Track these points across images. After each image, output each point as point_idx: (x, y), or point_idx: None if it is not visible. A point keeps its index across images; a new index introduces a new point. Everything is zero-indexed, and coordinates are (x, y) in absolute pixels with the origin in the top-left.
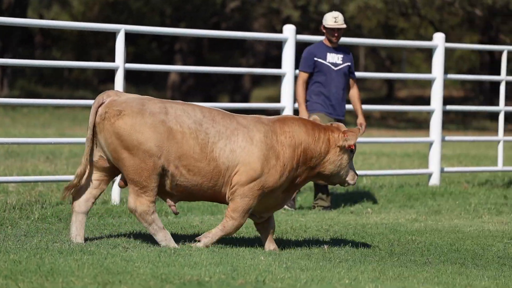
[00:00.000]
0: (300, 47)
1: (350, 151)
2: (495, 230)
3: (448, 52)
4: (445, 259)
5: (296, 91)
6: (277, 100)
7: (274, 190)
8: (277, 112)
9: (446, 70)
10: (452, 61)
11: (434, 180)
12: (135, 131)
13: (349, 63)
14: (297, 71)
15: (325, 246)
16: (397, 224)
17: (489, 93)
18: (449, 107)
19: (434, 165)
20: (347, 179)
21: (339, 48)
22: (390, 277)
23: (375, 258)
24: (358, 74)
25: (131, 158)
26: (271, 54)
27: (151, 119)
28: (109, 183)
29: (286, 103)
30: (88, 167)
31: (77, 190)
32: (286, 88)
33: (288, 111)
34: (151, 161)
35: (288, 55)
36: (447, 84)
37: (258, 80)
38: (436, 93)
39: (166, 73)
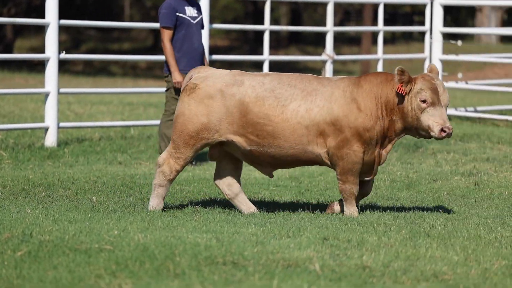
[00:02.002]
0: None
1: (420, 100)
2: (261, 178)
3: (213, 1)
4: (213, 208)
5: (164, 50)
6: (42, 51)
7: (367, 143)
8: (41, 62)
9: (211, 20)
10: (217, 11)
11: None
12: (203, 104)
13: (202, 15)
14: (65, 21)
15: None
16: None
17: (253, 42)
18: (214, 57)
19: None
20: (428, 130)
21: (191, 1)
22: (159, 227)
23: (144, 208)
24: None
25: (186, 124)
26: (34, 4)
27: (220, 95)
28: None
29: (51, 54)
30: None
31: (217, 180)
32: (50, 39)
33: (53, 62)
34: (204, 133)
35: (51, 4)
36: (212, 33)
37: (20, 30)
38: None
39: None
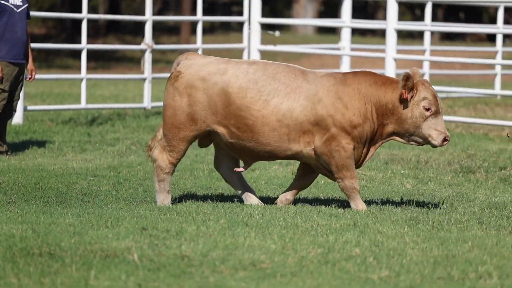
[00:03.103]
0: None
1: (423, 108)
2: (79, 168)
3: None
4: (29, 198)
5: None
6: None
7: (356, 140)
8: None
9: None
10: None
11: (17, 119)
12: (186, 94)
13: (27, 4)
14: None
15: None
16: None
17: (71, 31)
18: (33, 45)
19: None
20: (429, 138)
21: None
22: None
23: None
24: None
25: (173, 117)
26: None
27: (202, 84)
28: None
29: None
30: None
31: (217, 165)
32: None
33: None
34: (191, 125)
35: None
36: (29, 21)
37: None
38: None
39: None
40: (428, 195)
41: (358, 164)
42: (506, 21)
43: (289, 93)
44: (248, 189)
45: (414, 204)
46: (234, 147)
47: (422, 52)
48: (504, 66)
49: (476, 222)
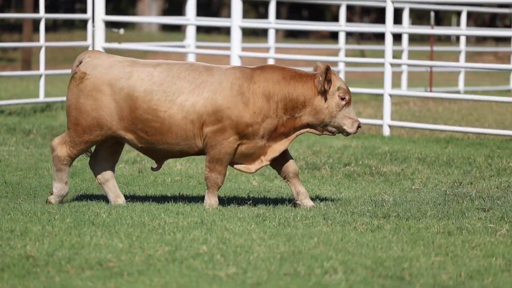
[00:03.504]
0: None
1: (339, 97)
2: None
3: None
4: None
5: None
6: None
7: (247, 136)
8: None
9: None
10: None
11: None
12: (91, 98)
13: None
14: None
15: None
16: None
17: None
18: None
19: None
20: (344, 127)
21: None
22: None
23: None
24: None
25: (80, 119)
26: None
27: (109, 89)
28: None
29: None
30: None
31: (93, 163)
32: None
33: None
34: (97, 129)
35: None
36: None
37: None
38: None
39: None
40: (275, 192)
41: (255, 159)
42: (348, 19)
43: (193, 90)
44: (118, 193)
45: (261, 201)
46: (144, 150)
47: (267, 49)
48: (347, 64)
49: (321, 218)
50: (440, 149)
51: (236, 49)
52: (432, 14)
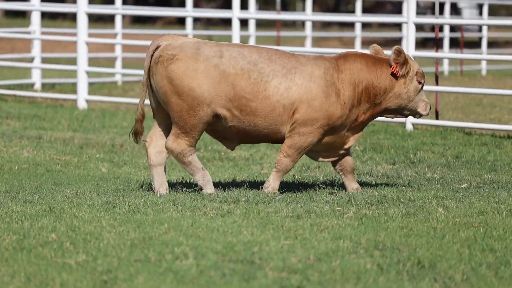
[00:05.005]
0: None
1: (417, 81)
2: None
3: None
4: None
5: None
6: None
7: (335, 128)
8: None
9: None
10: None
11: None
12: (186, 76)
13: None
14: None
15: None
16: None
17: None
18: None
19: None
20: (418, 110)
21: None
22: None
23: None
24: None
25: (180, 103)
26: None
27: (203, 64)
28: None
29: None
30: (154, 117)
31: (149, 143)
32: None
33: None
34: (200, 108)
35: None
36: None
37: None
38: None
39: None
40: (124, 179)
41: (334, 149)
42: (195, 5)
43: (285, 74)
44: (162, 181)
45: (111, 188)
46: (231, 130)
47: (114, 35)
48: None
49: (172, 204)
50: None
51: (82, 35)
52: None
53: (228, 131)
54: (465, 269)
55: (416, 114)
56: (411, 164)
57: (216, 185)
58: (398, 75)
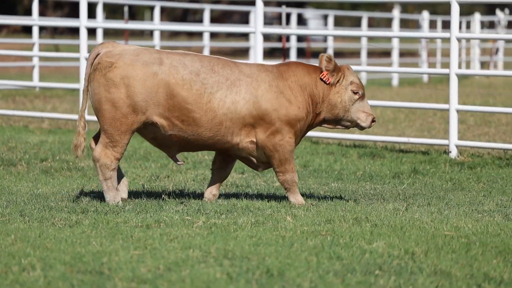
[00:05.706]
0: None
1: (352, 91)
2: None
3: None
4: None
5: None
6: None
7: (301, 131)
8: None
9: None
10: None
11: None
12: (124, 84)
13: None
14: None
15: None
16: None
17: None
18: None
19: None
20: (358, 121)
21: None
22: None
23: None
24: None
25: (113, 110)
26: None
27: (142, 72)
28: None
29: None
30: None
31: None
32: None
33: None
34: (134, 116)
35: None
36: None
37: None
38: None
39: None
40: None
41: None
42: (41, 13)
43: (230, 86)
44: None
45: None
46: (171, 139)
47: None
48: (41, 58)
49: (18, 215)
50: (137, 143)
51: None
52: (126, 8)
53: (168, 139)
54: (313, 276)
55: (357, 126)
56: (260, 173)
57: (64, 195)
58: (327, 82)
